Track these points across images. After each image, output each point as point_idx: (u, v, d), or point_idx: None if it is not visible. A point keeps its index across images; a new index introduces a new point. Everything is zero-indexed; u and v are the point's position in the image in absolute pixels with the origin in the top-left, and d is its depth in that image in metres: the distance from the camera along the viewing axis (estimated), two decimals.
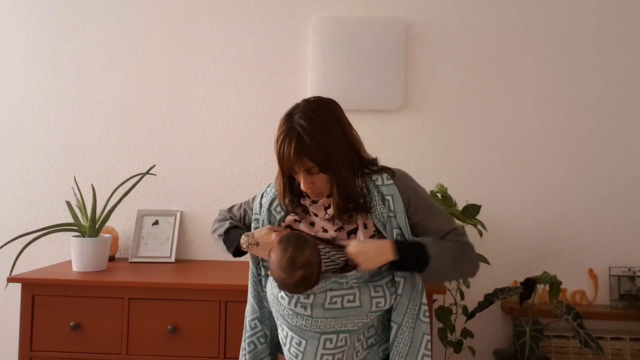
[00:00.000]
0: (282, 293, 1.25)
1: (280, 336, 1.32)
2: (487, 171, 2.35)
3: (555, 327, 2.14)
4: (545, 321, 2.01)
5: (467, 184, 2.34)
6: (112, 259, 2.27)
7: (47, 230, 2.00)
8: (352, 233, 1.31)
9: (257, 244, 1.32)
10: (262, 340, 1.39)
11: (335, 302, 1.22)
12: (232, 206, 1.53)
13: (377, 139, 2.37)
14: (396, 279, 1.28)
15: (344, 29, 2.35)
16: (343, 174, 1.24)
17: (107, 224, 2.24)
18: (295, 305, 1.23)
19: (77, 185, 2.19)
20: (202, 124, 2.42)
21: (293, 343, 1.26)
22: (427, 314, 1.31)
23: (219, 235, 1.44)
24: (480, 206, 1.98)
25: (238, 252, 1.39)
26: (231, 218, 1.50)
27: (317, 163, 1.21)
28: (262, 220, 1.39)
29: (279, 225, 1.37)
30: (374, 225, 1.30)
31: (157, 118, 2.43)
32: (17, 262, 1.92)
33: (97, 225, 2.06)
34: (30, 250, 2.13)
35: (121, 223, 2.38)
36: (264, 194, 1.42)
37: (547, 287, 1.99)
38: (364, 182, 1.29)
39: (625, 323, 2.24)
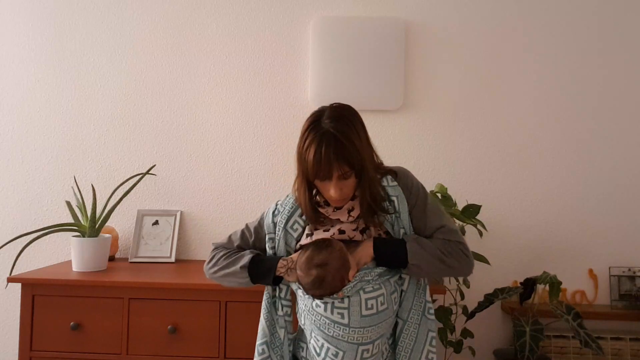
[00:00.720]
0: (317, 301, 1.24)
1: (314, 346, 1.28)
2: (487, 171, 2.35)
3: (555, 327, 2.14)
4: (545, 321, 2.01)
5: (467, 184, 2.34)
6: (112, 259, 2.27)
7: (47, 230, 2.00)
8: (365, 230, 1.32)
9: (295, 268, 1.28)
10: None
11: (372, 308, 1.22)
12: (229, 237, 1.44)
13: (377, 139, 2.31)
14: (402, 275, 1.30)
15: (344, 29, 2.35)
16: (372, 177, 1.27)
17: (107, 224, 2.24)
18: (332, 312, 1.22)
19: (77, 185, 2.19)
20: (202, 124, 2.42)
21: (329, 354, 1.24)
22: (432, 311, 1.32)
23: (242, 267, 1.32)
24: (480, 206, 1.98)
25: (275, 279, 1.32)
26: (238, 247, 1.41)
27: (354, 167, 1.22)
28: (279, 240, 1.35)
29: (296, 243, 1.34)
30: (384, 230, 1.33)
31: (157, 118, 2.43)
32: (17, 262, 1.93)
33: (97, 225, 2.06)
34: (30, 250, 2.14)
35: (121, 223, 2.38)
36: (276, 212, 1.37)
37: (547, 287, 1.99)
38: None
39: (625, 323, 2.24)
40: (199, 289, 1.86)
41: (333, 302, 1.22)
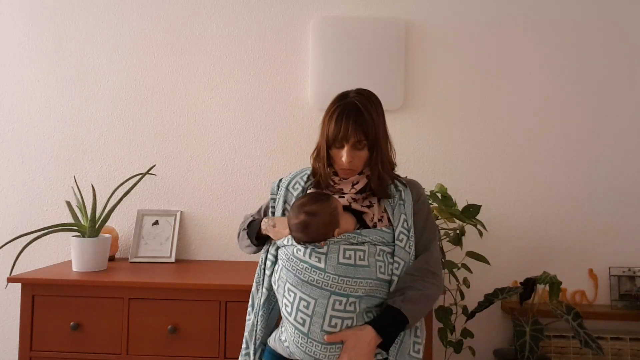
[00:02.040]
0: (299, 246, 1.31)
1: (285, 304, 1.32)
2: (487, 171, 2.35)
3: (555, 327, 2.14)
4: (545, 321, 2.01)
5: (467, 184, 2.34)
6: (112, 259, 2.27)
7: (47, 230, 2.00)
8: (366, 209, 1.38)
9: (274, 225, 1.38)
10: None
11: (349, 257, 1.28)
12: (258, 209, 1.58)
13: None
14: (396, 257, 1.34)
15: (344, 29, 2.35)
16: (384, 154, 1.38)
17: (107, 224, 2.24)
18: (310, 256, 1.29)
19: (77, 185, 2.19)
20: (202, 124, 2.42)
21: (301, 307, 1.27)
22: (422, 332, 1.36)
23: (243, 230, 1.50)
24: (480, 206, 1.98)
25: (261, 240, 1.46)
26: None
27: (368, 137, 1.33)
28: (279, 199, 1.46)
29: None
30: (384, 210, 1.39)
31: (157, 118, 2.43)
32: (17, 262, 1.92)
33: (97, 225, 2.06)
34: (30, 250, 2.14)
35: (121, 223, 2.38)
36: (283, 179, 1.50)
37: (547, 287, 1.99)
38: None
39: (625, 323, 2.24)
40: (199, 289, 1.86)
41: (313, 248, 1.30)
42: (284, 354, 1.34)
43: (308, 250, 1.30)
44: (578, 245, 2.31)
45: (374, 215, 1.37)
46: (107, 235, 2.14)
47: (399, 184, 1.43)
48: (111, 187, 2.25)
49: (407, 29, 2.36)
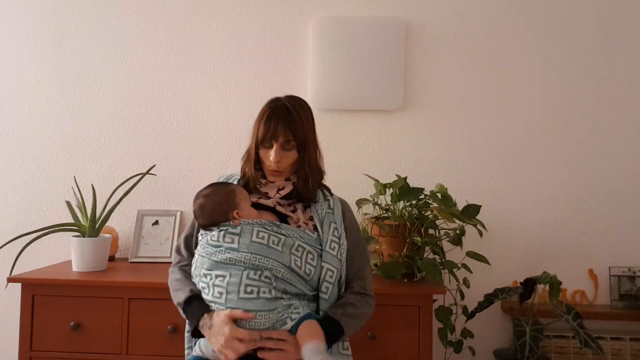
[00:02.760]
0: (213, 233, 1.34)
1: (203, 289, 1.33)
2: (487, 171, 2.35)
3: (555, 327, 2.13)
4: (545, 321, 2.01)
5: (467, 184, 2.34)
6: (112, 259, 2.27)
7: (47, 230, 2.00)
8: (294, 211, 1.43)
9: (210, 327, 1.28)
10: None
11: (262, 238, 1.31)
12: (179, 245, 1.54)
13: (377, 139, 2.37)
14: (326, 264, 1.37)
15: (344, 29, 2.35)
16: (311, 157, 1.43)
17: (107, 224, 2.24)
18: (224, 238, 1.32)
19: (77, 185, 2.19)
20: (202, 124, 2.42)
21: (217, 282, 1.28)
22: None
23: (178, 304, 1.42)
24: (480, 206, 1.98)
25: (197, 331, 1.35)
26: (188, 253, 1.51)
27: (297, 138, 1.39)
28: None
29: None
30: (310, 218, 1.43)
31: (157, 118, 2.43)
32: (17, 262, 1.92)
33: (97, 225, 2.06)
34: (30, 250, 2.13)
35: (121, 223, 2.38)
36: None
37: (547, 287, 1.99)
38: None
39: (625, 323, 2.24)
40: None
41: (227, 229, 1.32)
42: (211, 357, 1.35)
43: (222, 234, 1.32)
44: (578, 245, 2.31)
45: (298, 219, 1.41)
46: (107, 235, 2.14)
47: (326, 192, 1.49)
48: (111, 187, 2.25)
49: (407, 29, 2.36)
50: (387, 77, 2.33)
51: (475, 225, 1.99)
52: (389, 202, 2.07)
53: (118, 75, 2.44)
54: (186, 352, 1.46)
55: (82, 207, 2.11)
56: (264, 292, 1.26)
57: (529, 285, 2.05)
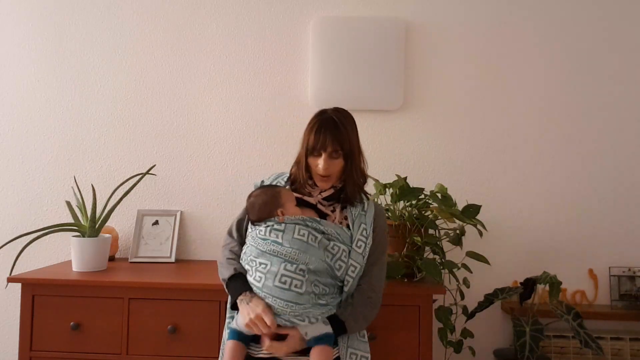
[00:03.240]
0: (262, 228, 1.51)
1: (248, 271, 1.50)
2: (487, 171, 2.35)
3: (555, 327, 2.14)
4: (545, 321, 2.01)
5: (467, 184, 2.34)
6: (112, 259, 2.28)
7: (47, 230, 2.00)
8: (329, 212, 1.59)
9: (248, 303, 1.44)
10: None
11: (303, 235, 1.47)
12: (231, 228, 1.70)
13: (377, 139, 2.37)
14: (351, 260, 1.51)
15: (344, 29, 2.35)
16: (357, 164, 1.58)
17: (107, 224, 2.24)
18: (270, 234, 1.49)
19: (77, 185, 2.19)
20: (202, 124, 2.42)
21: (260, 268, 1.46)
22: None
23: (223, 279, 1.57)
24: (480, 206, 1.98)
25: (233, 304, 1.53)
26: (238, 235, 1.67)
27: (343, 149, 1.52)
28: None
29: None
30: (345, 218, 1.57)
31: (157, 118, 2.43)
32: (17, 262, 1.92)
33: (97, 225, 2.06)
34: (30, 250, 2.13)
35: (121, 223, 2.38)
36: (265, 180, 1.69)
37: (547, 287, 1.99)
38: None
39: (625, 323, 2.24)
40: (199, 289, 1.86)
41: (272, 225, 1.49)
42: (244, 332, 1.48)
43: (268, 229, 1.49)
44: (578, 245, 2.31)
45: (335, 218, 1.57)
46: (107, 235, 2.14)
47: (364, 196, 1.63)
48: (111, 187, 2.25)
49: (407, 29, 2.36)
50: (387, 77, 2.33)
51: (475, 225, 1.99)
52: (389, 202, 2.07)
53: (118, 75, 2.44)
54: (227, 320, 1.57)
55: (82, 207, 2.11)
56: (296, 286, 1.42)
57: (529, 285, 2.05)
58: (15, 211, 2.43)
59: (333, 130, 1.52)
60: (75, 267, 2.02)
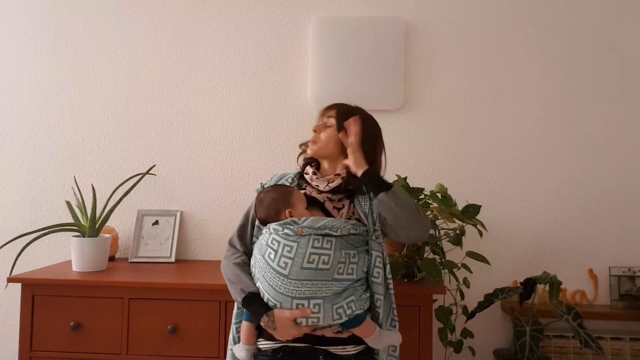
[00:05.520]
0: (270, 250, 1.42)
1: (269, 254, 1.41)
2: (487, 171, 2.35)
3: (555, 327, 2.14)
4: (545, 321, 2.01)
5: (467, 184, 2.34)
6: (112, 259, 2.28)
7: (47, 230, 2.00)
8: (339, 209, 1.53)
9: (275, 329, 1.39)
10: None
11: (312, 262, 1.38)
12: (232, 238, 1.60)
13: None
14: (372, 251, 1.46)
15: (344, 29, 2.35)
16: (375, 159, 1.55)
17: (107, 224, 2.24)
18: (279, 261, 1.39)
19: (77, 185, 2.19)
20: (202, 124, 2.42)
21: (284, 252, 1.38)
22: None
23: (235, 299, 1.49)
24: (480, 206, 1.98)
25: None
26: (240, 243, 1.58)
27: (339, 120, 1.52)
28: None
29: None
30: (353, 212, 1.51)
31: (157, 118, 2.43)
32: (17, 262, 1.93)
33: (97, 225, 2.06)
34: (30, 250, 2.14)
35: (121, 223, 2.38)
36: (267, 182, 1.62)
37: (547, 287, 1.99)
38: None
39: (625, 323, 2.24)
40: (199, 289, 1.86)
41: (284, 247, 1.39)
42: None
43: (277, 255, 1.39)
44: (578, 245, 2.31)
45: (343, 214, 1.51)
46: (107, 235, 2.14)
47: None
48: (111, 187, 2.25)
49: (407, 29, 2.36)
50: (387, 77, 2.33)
51: (475, 225, 1.99)
52: None
53: (118, 75, 2.44)
54: (233, 326, 1.54)
55: (82, 207, 2.11)
56: (324, 260, 1.37)
57: (529, 285, 2.05)
58: (15, 211, 2.43)
59: (340, 105, 1.57)
60: (75, 267, 2.02)
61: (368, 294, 1.46)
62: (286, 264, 1.38)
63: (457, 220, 1.97)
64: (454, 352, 2.03)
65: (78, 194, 2.15)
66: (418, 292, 1.84)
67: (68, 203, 2.16)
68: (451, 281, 2.03)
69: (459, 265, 1.98)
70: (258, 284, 1.43)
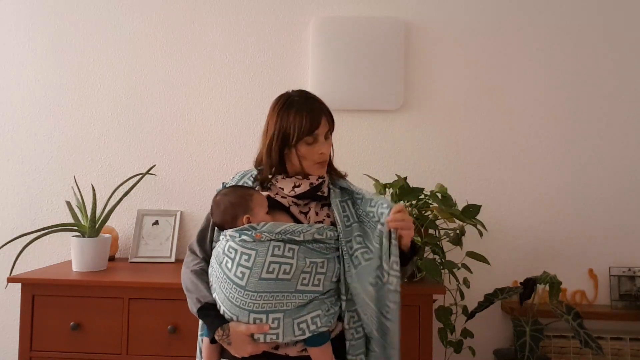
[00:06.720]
0: (227, 258, 1.30)
1: (227, 262, 1.30)
2: (487, 171, 2.35)
3: (555, 327, 2.14)
4: (545, 321, 2.01)
5: (467, 184, 2.34)
6: (112, 259, 2.28)
7: (47, 230, 2.00)
8: (306, 213, 1.39)
9: (229, 344, 1.28)
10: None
11: (272, 272, 1.26)
12: (192, 243, 1.50)
13: (377, 139, 2.37)
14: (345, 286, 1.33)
15: (344, 29, 2.35)
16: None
17: (107, 224, 2.24)
18: (236, 271, 1.27)
19: (77, 185, 2.19)
20: (202, 124, 2.42)
21: (242, 261, 1.27)
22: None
23: (191, 310, 1.38)
24: (480, 206, 1.98)
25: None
26: (200, 250, 1.47)
27: (333, 126, 1.40)
28: None
29: None
30: (327, 215, 1.39)
31: (157, 118, 2.43)
32: (17, 262, 1.93)
33: (97, 225, 2.06)
34: (30, 250, 2.13)
35: (121, 223, 2.38)
36: (229, 182, 1.50)
37: (547, 287, 1.99)
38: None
39: (625, 323, 2.24)
40: None
41: (241, 256, 1.27)
42: None
43: (235, 264, 1.28)
44: (578, 245, 2.31)
45: (309, 220, 1.37)
46: (107, 235, 2.14)
47: (342, 184, 1.46)
48: (111, 187, 2.25)
49: (407, 29, 2.36)
50: (387, 77, 2.33)
51: (475, 225, 1.99)
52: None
53: (118, 75, 2.44)
54: (199, 338, 1.42)
55: (82, 207, 2.11)
56: (285, 270, 1.26)
57: (529, 285, 2.05)
58: (15, 211, 2.43)
59: (322, 103, 1.36)
60: (75, 267, 2.02)
61: (337, 307, 1.33)
62: (243, 274, 1.26)
63: (457, 220, 1.97)
64: (454, 352, 2.03)
65: (78, 194, 2.15)
66: (418, 292, 1.84)
67: (68, 203, 2.16)
68: (451, 281, 2.03)
69: (459, 265, 1.98)
70: (214, 295, 1.32)
